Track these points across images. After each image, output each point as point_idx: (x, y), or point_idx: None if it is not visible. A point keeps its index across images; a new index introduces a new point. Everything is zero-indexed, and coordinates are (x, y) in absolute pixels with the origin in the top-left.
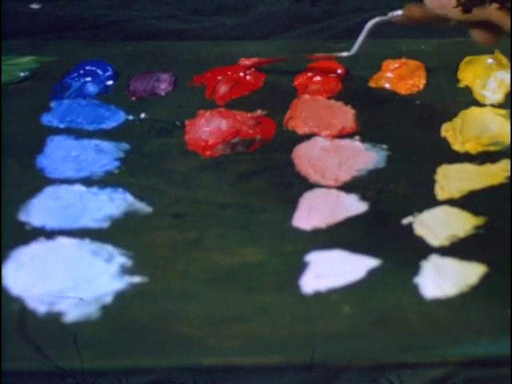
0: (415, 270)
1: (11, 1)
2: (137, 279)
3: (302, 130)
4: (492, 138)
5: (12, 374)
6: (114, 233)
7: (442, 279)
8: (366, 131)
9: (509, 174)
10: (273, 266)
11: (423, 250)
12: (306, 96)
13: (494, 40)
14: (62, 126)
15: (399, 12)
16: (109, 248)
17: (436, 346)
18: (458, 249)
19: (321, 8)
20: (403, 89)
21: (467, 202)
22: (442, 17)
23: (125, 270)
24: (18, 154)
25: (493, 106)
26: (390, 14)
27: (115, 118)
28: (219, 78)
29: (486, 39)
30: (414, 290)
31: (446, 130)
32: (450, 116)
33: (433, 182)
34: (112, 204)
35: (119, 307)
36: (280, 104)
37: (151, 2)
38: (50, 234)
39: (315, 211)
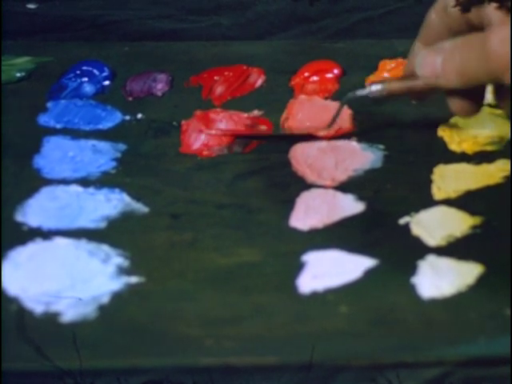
0: (412, 269)
1: (7, 0)
2: (134, 279)
3: (298, 130)
4: (489, 137)
5: (11, 373)
6: (111, 233)
7: (439, 279)
8: (362, 131)
9: (505, 173)
10: (270, 266)
11: (420, 249)
12: (303, 96)
13: (473, 111)
14: (58, 126)
15: (379, 87)
16: (106, 248)
17: (434, 346)
18: (455, 248)
19: (318, 8)
20: None
21: (464, 201)
22: (427, 88)
23: (122, 271)
24: (15, 154)
25: (489, 105)
26: (368, 89)
27: (112, 119)
28: (216, 78)
29: (464, 110)
30: (412, 289)
31: (443, 130)
32: (446, 116)
33: (429, 181)
34: (109, 204)
35: (116, 307)
36: (276, 104)
37: (148, 2)
38: (46, 235)
39: (312, 211)
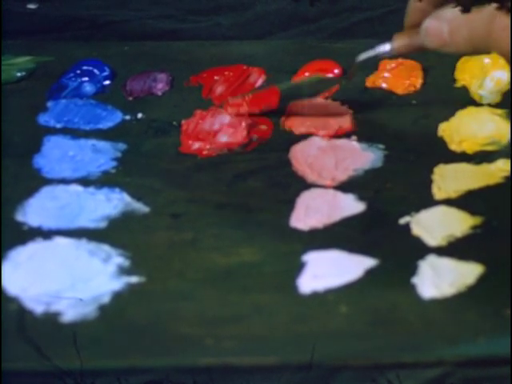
0: (412, 269)
1: (7, 0)
2: (134, 279)
3: (298, 129)
4: (489, 137)
5: (11, 373)
6: (111, 233)
7: (439, 279)
8: (362, 131)
9: (506, 173)
10: (270, 265)
11: (420, 249)
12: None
13: None
14: (58, 125)
15: (387, 48)
16: (106, 248)
17: (434, 346)
18: (456, 248)
19: (318, 7)
20: (400, 89)
21: (464, 201)
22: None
23: (122, 270)
24: (15, 153)
25: (489, 105)
26: (377, 50)
27: (112, 118)
28: (216, 77)
29: None
30: (412, 289)
31: (443, 130)
32: (446, 116)
33: (430, 181)
34: (109, 204)
35: (117, 307)
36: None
37: (148, 2)
38: (47, 234)
39: (312, 211)
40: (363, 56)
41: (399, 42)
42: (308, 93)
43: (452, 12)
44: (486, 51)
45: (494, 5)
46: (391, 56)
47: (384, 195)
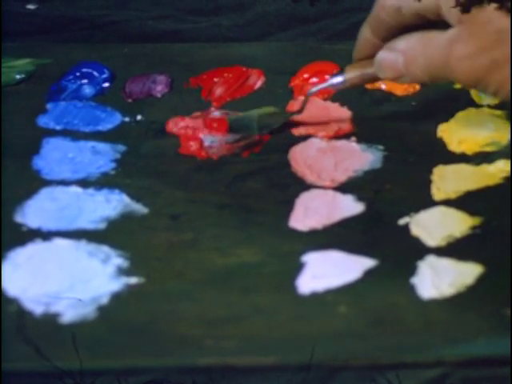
0: (412, 270)
1: (7, 1)
2: (133, 280)
3: (298, 131)
4: (488, 138)
5: (11, 373)
6: (111, 234)
7: (438, 279)
8: (362, 132)
9: (505, 174)
10: (269, 266)
11: (420, 250)
12: (302, 97)
13: None
14: (58, 127)
15: (340, 79)
16: (105, 249)
17: (433, 346)
18: (455, 249)
19: (317, 8)
20: (399, 90)
21: (464, 202)
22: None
23: (121, 271)
24: (15, 155)
25: (489, 106)
26: (330, 82)
27: (111, 120)
28: (215, 79)
29: None
30: (411, 290)
31: (443, 131)
32: (446, 117)
33: (429, 182)
34: (108, 205)
35: (116, 308)
36: (276, 105)
37: (147, 2)
38: (46, 235)
39: (312, 212)
40: (315, 88)
41: (351, 73)
42: (258, 125)
43: (406, 42)
44: (444, 79)
45: (494, 5)
46: (345, 87)
47: (383, 196)
